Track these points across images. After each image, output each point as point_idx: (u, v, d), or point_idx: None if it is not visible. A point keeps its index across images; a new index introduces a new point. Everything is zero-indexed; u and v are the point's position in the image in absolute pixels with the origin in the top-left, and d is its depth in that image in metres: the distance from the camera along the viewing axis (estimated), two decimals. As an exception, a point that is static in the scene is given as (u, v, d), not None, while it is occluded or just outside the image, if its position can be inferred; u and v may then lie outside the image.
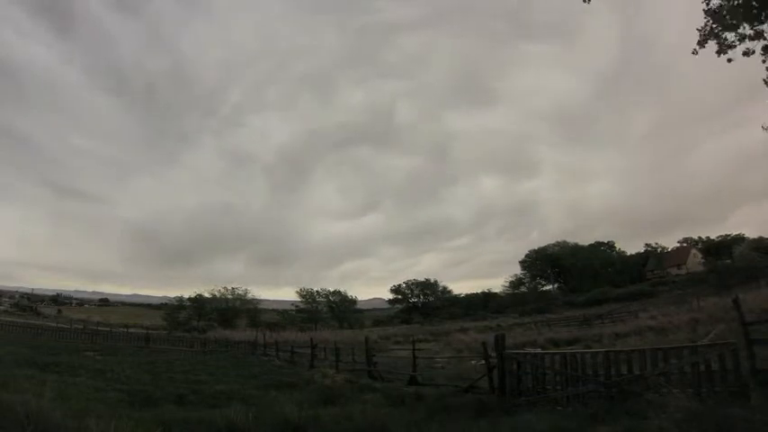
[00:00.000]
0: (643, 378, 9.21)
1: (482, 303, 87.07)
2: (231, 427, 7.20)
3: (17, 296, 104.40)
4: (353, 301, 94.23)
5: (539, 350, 16.72)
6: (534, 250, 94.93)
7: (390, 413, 9.89)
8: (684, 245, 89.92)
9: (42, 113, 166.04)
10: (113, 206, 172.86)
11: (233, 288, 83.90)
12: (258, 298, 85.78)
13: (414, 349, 18.35)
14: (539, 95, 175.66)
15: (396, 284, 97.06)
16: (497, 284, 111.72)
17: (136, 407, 9.48)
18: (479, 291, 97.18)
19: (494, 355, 12.24)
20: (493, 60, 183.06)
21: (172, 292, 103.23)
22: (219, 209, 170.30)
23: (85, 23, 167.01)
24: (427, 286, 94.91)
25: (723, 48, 8.75)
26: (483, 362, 13.53)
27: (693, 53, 9.07)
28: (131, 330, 44.91)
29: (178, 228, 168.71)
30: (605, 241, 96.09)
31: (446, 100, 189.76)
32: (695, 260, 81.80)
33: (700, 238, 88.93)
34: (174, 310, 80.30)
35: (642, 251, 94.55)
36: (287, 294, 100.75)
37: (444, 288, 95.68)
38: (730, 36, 8.67)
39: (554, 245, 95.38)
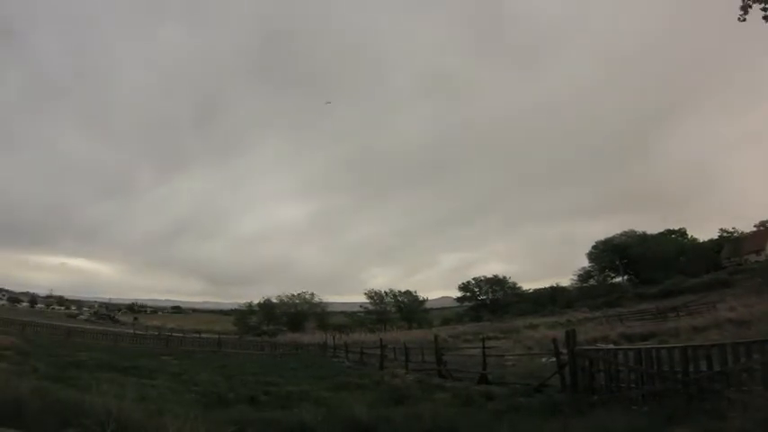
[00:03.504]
0: (724, 375, 8.53)
1: (550, 298, 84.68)
2: (302, 426, 7.27)
3: (96, 305, 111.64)
4: (422, 301, 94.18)
5: (611, 346, 15.99)
6: (601, 241, 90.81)
7: (459, 413, 9.73)
8: (762, 228, 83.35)
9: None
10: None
11: (300, 293, 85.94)
12: (325, 301, 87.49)
13: (484, 347, 17.96)
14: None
15: (464, 282, 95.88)
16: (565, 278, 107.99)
17: (210, 408, 9.73)
18: (547, 285, 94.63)
19: (564, 351, 11.86)
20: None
21: (241, 299, 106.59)
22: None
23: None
24: (496, 282, 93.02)
25: None
26: (553, 359, 13.13)
27: (739, 20, 8.37)
28: (204, 335, 46.63)
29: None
30: (676, 228, 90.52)
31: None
32: (775, 245, 75.71)
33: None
34: (244, 316, 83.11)
35: (716, 237, 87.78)
36: (355, 297, 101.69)
37: (514, 284, 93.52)
38: None
39: (620, 234, 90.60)
